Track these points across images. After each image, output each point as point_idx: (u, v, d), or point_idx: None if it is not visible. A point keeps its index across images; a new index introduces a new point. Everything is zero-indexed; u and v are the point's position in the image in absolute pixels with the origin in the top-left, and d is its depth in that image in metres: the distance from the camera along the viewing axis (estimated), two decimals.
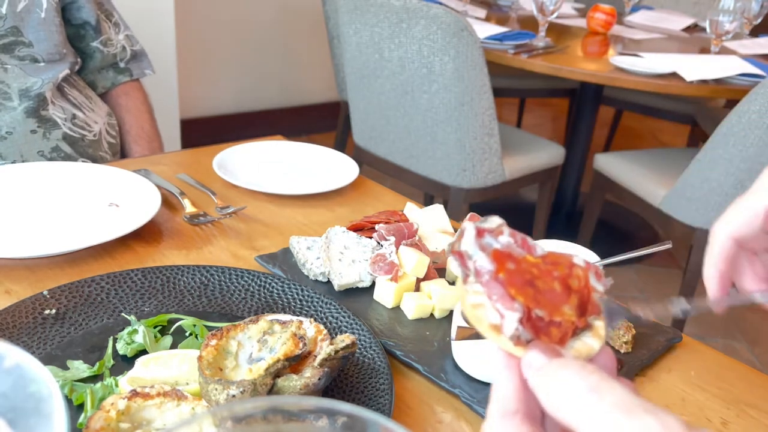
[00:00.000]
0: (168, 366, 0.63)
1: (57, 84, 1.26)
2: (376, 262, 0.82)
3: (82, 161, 1.27)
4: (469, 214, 0.90)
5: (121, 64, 1.44)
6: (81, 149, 1.29)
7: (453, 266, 0.39)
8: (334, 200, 1.08)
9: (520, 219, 2.72)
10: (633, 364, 0.72)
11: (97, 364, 0.64)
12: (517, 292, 0.36)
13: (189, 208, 0.98)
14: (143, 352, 0.67)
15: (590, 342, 0.37)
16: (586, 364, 0.32)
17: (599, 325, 0.38)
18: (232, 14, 3.48)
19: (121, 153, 1.44)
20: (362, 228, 0.92)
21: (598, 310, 0.38)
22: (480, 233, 0.38)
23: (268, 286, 0.79)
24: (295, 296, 0.77)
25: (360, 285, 0.82)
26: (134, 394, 0.56)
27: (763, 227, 0.48)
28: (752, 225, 0.48)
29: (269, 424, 0.32)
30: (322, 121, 3.84)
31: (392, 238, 0.84)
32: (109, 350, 0.66)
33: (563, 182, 2.93)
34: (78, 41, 1.37)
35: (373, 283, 0.82)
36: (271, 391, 0.57)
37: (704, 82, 2.01)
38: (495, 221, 0.39)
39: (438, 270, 0.86)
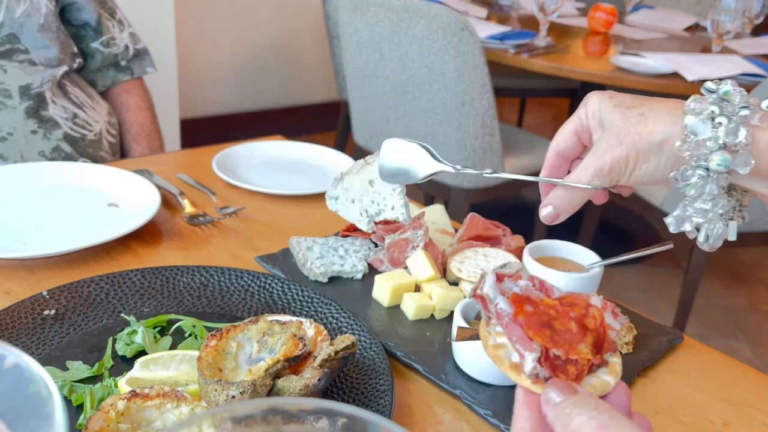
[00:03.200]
0: (167, 367, 0.63)
1: (57, 82, 1.26)
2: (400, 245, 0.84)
3: (83, 161, 1.27)
4: (469, 215, 0.90)
5: (123, 63, 1.43)
6: (81, 149, 1.28)
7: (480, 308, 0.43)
8: None
9: (521, 219, 2.72)
10: (634, 365, 0.72)
11: (97, 364, 0.64)
12: (535, 334, 0.39)
13: (189, 208, 0.98)
14: (143, 352, 0.67)
15: (606, 378, 0.39)
16: (600, 403, 0.35)
17: (615, 361, 0.40)
18: (232, 14, 3.48)
19: (120, 152, 1.44)
20: None
21: (614, 347, 0.40)
22: (500, 278, 0.42)
23: (267, 286, 0.79)
24: (295, 297, 0.77)
25: (356, 276, 0.83)
26: (134, 394, 0.56)
27: (576, 142, 0.60)
28: (568, 141, 0.60)
29: (269, 424, 0.32)
30: (322, 121, 3.84)
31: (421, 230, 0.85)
32: (109, 351, 0.66)
33: None
34: (78, 42, 1.37)
35: (373, 283, 0.81)
36: (271, 391, 0.57)
37: (705, 81, 2.00)
38: (514, 266, 0.43)
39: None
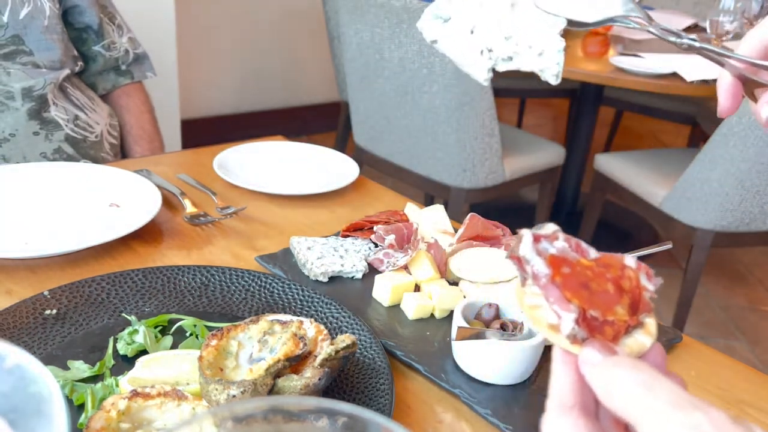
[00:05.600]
0: (168, 366, 0.63)
1: (59, 84, 1.26)
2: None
3: (84, 162, 1.27)
4: (469, 215, 0.90)
5: (123, 67, 1.44)
6: (83, 150, 1.29)
7: (511, 269, 0.41)
8: (335, 200, 1.08)
9: (521, 219, 2.72)
10: None
11: (98, 364, 0.64)
12: (573, 295, 0.38)
13: (189, 208, 0.98)
14: (144, 352, 0.67)
15: (642, 339, 0.39)
16: (639, 362, 0.35)
17: (650, 322, 0.40)
18: (232, 14, 3.48)
19: (121, 153, 1.44)
20: (361, 228, 0.92)
21: (649, 308, 0.40)
22: (537, 239, 0.41)
23: (268, 286, 0.79)
24: (296, 296, 0.77)
25: (356, 276, 0.84)
26: (135, 394, 0.56)
27: None
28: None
29: (270, 424, 0.32)
30: (323, 121, 3.84)
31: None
32: (110, 350, 0.67)
33: (564, 182, 2.93)
34: (80, 45, 1.37)
35: (373, 283, 0.82)
36: (272, 391, 0.57)
37: (705, 82, 2.01)
38: (551, 227, 0.42)
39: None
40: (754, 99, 0.51)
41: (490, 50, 0.56)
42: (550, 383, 0.38)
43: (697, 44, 0.49)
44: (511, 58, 0.56)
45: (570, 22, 0.50)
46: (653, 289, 0.41)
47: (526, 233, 0.41)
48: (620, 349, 0.38)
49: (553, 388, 0.37)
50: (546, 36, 0.53)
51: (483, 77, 0.58)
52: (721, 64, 0.50)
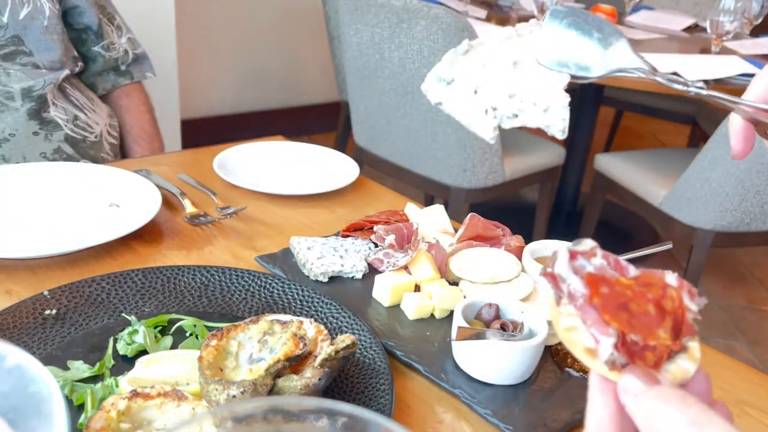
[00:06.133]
0: (168, 366, 0.63)
1: (58, 85, 1.26)
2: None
3: (84, 162, 1.27)
4: (469, 215, 0.90)
5: (123, 67, 1.44)
6: (83, 150, 1.29)
7: (545, 288, 0.39)
8: (335, 200, 1.08)
9: (521, 219, 2.72)
10: None
11: (98, 364, 0.64)
12: (612, 318, 0.36)
13: (189, 208, 0.98)
14: (144, 352, 0.67)
15: (685, 365, 0.37)
16: (687, 396, 0.32)
17: (694, 346, 0.38)
18: (232, 14, 3.48)
19: (121, 153, 1.44)
20: (361, 228, 0.92)
21: (692, 331, 0.38)
22: (573, 256, 0.39)
23: (268, 286, 0.79)
24: (296, 296, 0.77)
25: (356, 276, 0.84)
26: (135, 394, 0.56)
27: None
28: None
29: (269, 424, 0.32)
30: (323, 121, 3.84)
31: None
32: (110, 350, 0.66)
33: (564, 182, 2.93)
34: (80, 45, 1.38)
35: (373, 283, 0.82)
36: (272, 391, 0.57)
37: (705, 82, 2.00)
38: (588, 244, 0.39)
39: None
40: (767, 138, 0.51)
41: (494, 109, 0.56)
42: (587, 412, 0.36)
43: (704, 92, 0.48)
44: (516, 116, 0.56)
45: (573, 77, 0.50)
46: (696, 310, 0.38)
47: (562, 250, 0.39)
48: (663, 377, 0.35)
49: (590, 418, 0.35)
50: (550, 92, 0.53)
51: (489, 136, 0.57)
52: (731, 109, 0.49)
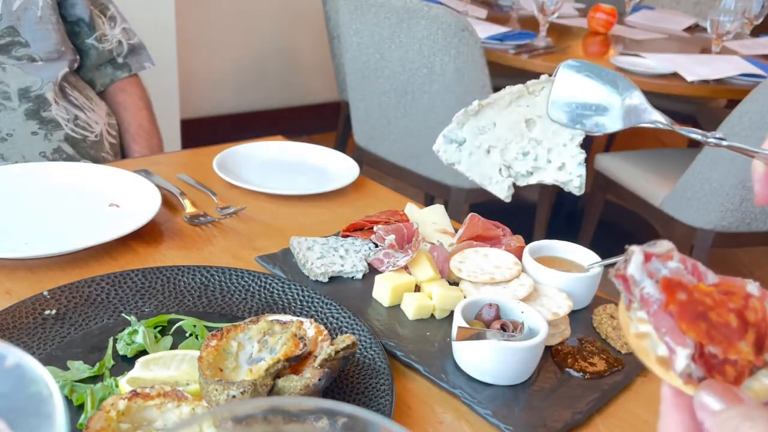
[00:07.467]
0: (168, 366, 0.63)
1: (58, 84, 1.26)
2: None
3: (84, 162, 1.27)
4: (469, 215, 0.90)
5: (119, 60, 1.42)
6: (83, 150, 1.28)
7: (620, 289, 0.37)
8: (335, 200, 1.08)
9: (521, 219, 2.72)
10: (634, 365, 0.72)
11: (98, 364, 0.64)
12: (689, 327, 0.33)
13: (189, 208, 0.98)
14: (143, 352, 0.67)
15: None
16: None
17: None
18: (232, 14, 3.48)
19: (120, 152, 1.44)
20: (361, 228, 0.92)
21: None
22: (648, 258, 0.36)
23: (268, 286, 0.79)
24: (296, 296, 0.77)
25: (356, 276, 0.83)
26: (134, 394, 0.56)
27: None
28: None
29: (269, 424, 0.32)
30: (323, 121, 3.84)
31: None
32: (110, 351, 0.66)
33: None
34: (73, 38, 1.37)
35: (373, 283, 0.82)
36: (272, 391, 0.57)
37: (705, 82, 2.01)
38: (665, 245, 0.37)
39: None
40: None
41: (508, 167, 0.57)
42: (660, 425, 0.34)
43: (724, 143, 0.48)
44: (531, 173, 0.56)
45: (588, 132, 0.49)
46: None
47: (636, 251, 0.36)
48: (745, 395, 0.32)
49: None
50: (565, 149, 0.52)
51: (503, 194, 0.57)
52: (752, 157, 0.49)
